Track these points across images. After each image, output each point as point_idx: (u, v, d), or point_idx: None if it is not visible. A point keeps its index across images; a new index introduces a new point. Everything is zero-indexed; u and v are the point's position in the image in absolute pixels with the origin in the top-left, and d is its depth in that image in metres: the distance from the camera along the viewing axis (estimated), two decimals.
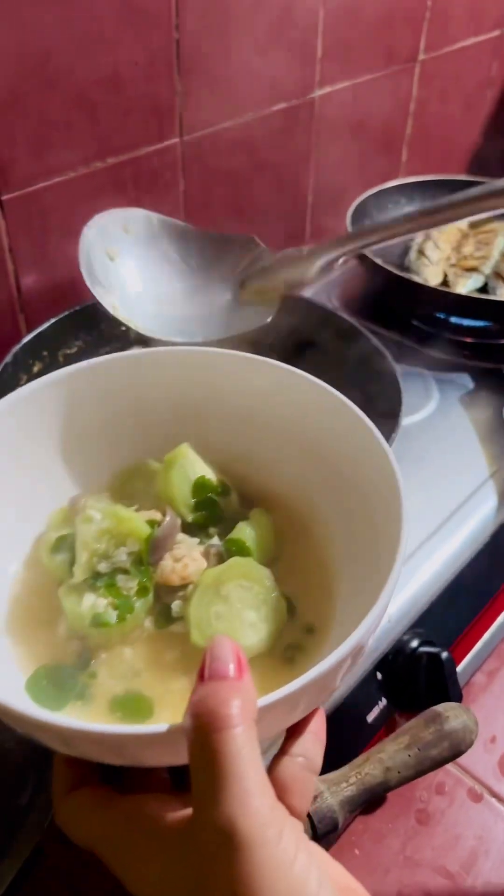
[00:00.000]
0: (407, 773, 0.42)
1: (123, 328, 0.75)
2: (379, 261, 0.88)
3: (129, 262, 0.66)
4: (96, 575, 0.41)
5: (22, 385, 0.65)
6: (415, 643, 0.63)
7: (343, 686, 0.58)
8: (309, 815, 0.40)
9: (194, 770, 0.29)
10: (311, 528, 0.47)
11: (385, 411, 0.64)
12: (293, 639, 0.42)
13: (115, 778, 0.36)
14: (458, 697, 0.60)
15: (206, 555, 0.42)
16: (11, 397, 0.44)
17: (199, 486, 0.45)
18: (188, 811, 0.31)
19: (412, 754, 0.43)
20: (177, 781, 0.35)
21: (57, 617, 0.42)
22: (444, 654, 0.61)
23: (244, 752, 0.28)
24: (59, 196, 0.76)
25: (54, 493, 0.46)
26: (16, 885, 0.43)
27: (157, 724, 0.29)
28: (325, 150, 1.04)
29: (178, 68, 0.80)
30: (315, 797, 0.41)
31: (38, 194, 0.74)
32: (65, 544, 0.42)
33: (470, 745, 0.46)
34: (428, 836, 0.63)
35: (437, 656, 0.61)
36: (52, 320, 0.69)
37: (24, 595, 0.43)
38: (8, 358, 0.65)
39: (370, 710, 0.61)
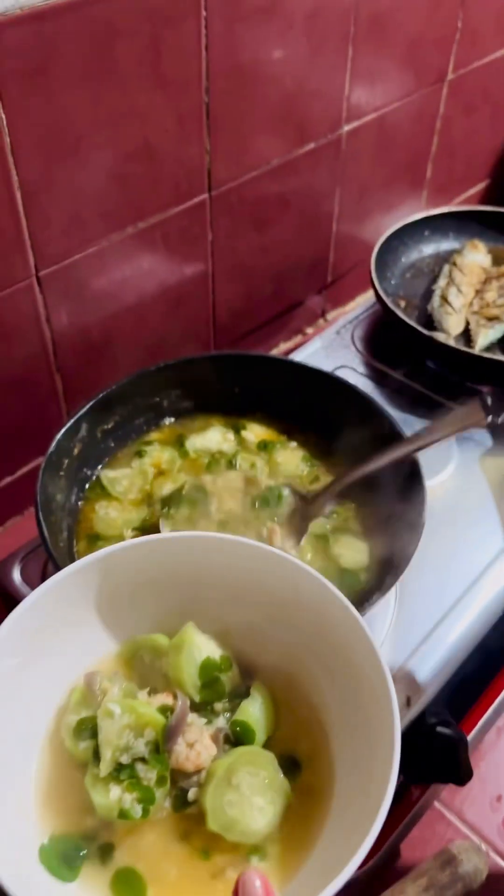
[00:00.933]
0: None
1: (157, 399, 0.78)
2: (400, 312, 0.89)
3: None
4: (119, 767, 0.43)
5: (64, 469, 0.69)
6: (431, 720, 0.66)
7: None
8: None
9: None
10: (310, 695, 0.49)
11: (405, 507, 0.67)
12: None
13: None
14: (468, 776, 0.64)
15: (215, 738, 0.45)
16: (50, 582, 0.45)
17: (205, 667, 0.48)
18: None
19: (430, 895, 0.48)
20: None
21: (80, 797, 0.45)
22: (455, 737, 0.64)
23: None
24: (92, 264, 0.77)
25: (70, 661, 0.49)
26: None
27: None
28: (351, 182, 1.03)
29: (207, 129, 0.80)
30: None
31: (72, 266, 0.75)
32: (86, 731, 0.45)
33: (481, 883, 0.50)
34: None
35: (449, 738, 0.65)
36: (91, 402, 0.71)
37: (48, 773, 0.46)
38: (52, 447, 0.67)
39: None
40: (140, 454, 0.75)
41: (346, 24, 0.88)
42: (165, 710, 0.45)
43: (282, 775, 0.45)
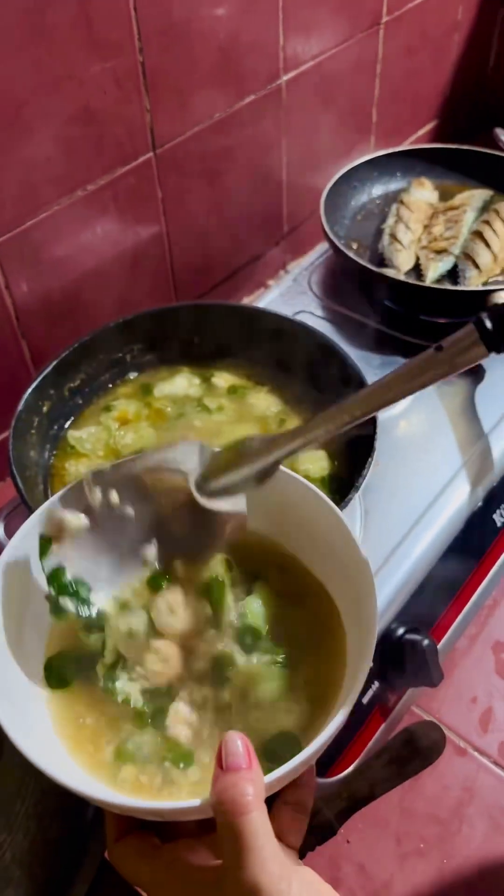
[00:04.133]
0: (387, 785, 0.51)
1: (120, 355, 0.81)
2: (351, 253, 0.91)
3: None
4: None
5: (35, 427, 0.72)
6: (400, 631, 0.70)
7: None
8: (311, 827, 0.49)
9: (222, 839, 0.36)
10: (316, 590, 0.51)
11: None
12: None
13: (154, 824, 0.43)
14: (439, 678, 0.68)
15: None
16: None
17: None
18: (215, 861, 0.39)
19: (392, 770, 0.51)
20: (201, 824, 0.42)
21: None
22: (425, 642, 0.68)
23: (260, 829, 0.36)
24: (45, 230, 0.79)
25: None
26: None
27: (193, 801, 0.37)
28: (296, 133, 1.05)
29: (145, 88, 0.82)
30: (314, 813, 0.50)
31: (26, 233, 0.78)
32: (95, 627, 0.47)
33: (438, 756, 0.54)
34: (420, 790, 0.72)
35: (419, 643, 0.68)
36: (55, 361, 0.73)
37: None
38: (20, 406, 0.70)
39: (364, 693, 0.69)
40: (108, 409, 0.78)
41: None
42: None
43: (292, 678, 0.47)
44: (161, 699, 0.46)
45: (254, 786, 0.36)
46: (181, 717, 0.46)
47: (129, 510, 0.48)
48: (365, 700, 0.69)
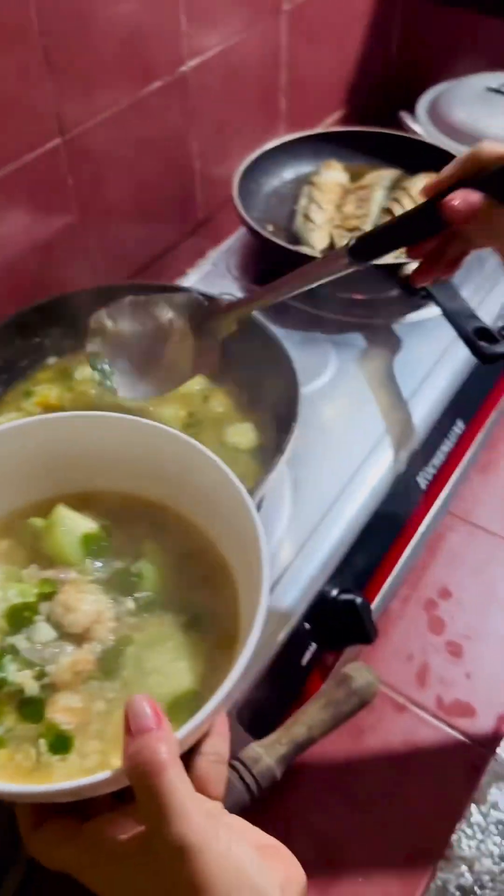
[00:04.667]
0: (326, 727, 0.52)
1: (38, 339, 0.81)
2: (266, 233, 0.93)
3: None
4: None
5: None
6: (334, 592, 0.71)
7: (279, 637, 0.67)
8: (253, 775, 0.50)
9: (141, 804, 0.36)
10: (204, 545, 0.51)
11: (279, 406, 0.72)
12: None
13: (68, 807, 0.41)
14: (373, 634, 0.70)
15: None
16: None
17: (87, 539, 0.49)
18: (138, 829, 0.38)
19: (328, 712, 0.53)
20: (117, 795, 0.41)
21: None
22: (358, 600, 0.69)
23: (178, 786, 0.35)
24: None
25: None
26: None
27: (104, 773, 0.36)
28: (205, 120, 1.06)
29: (48, 72, 0.82)
30: (256, 760, 0.51)
31: None
32: None
33: (374, 696, 0.55)
34: (364, 747, 0.74)
35: (352, 602, 0.70)
36: None
37: None
38: None
39: (303, 655, 0.70)
40: (28, 394, 0.77)
41: None
42: (53, 583, 0.47)
43: (186, 636, 0.46)
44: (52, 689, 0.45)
45: (166, 744, 0.36)
46: (62, 706, 0.44)
47: None
48: (304, 662, 0.70)
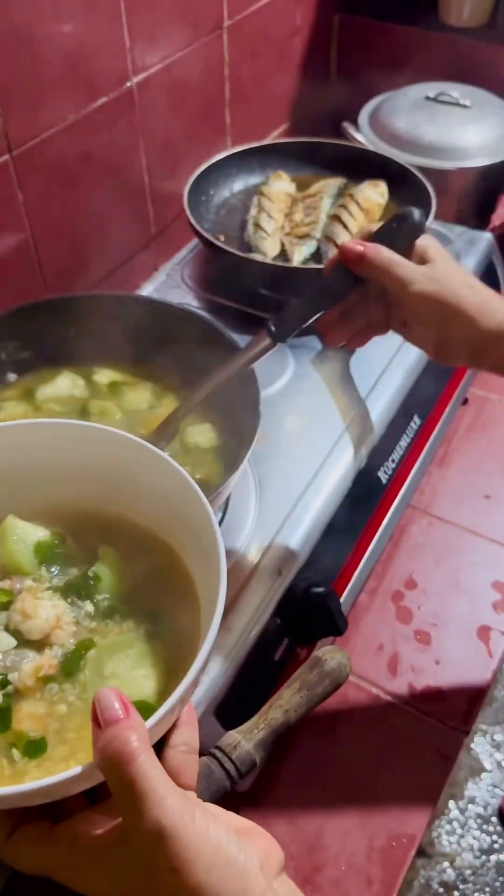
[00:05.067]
0: (301, 710, 0.53)
1: None
2: (220, 242, 0.95)
3: None
4: None
5: None
6: (303, 586, 0.72)
7: (252, 634, 0.68)
8: (232, 761, 0.51)
9: (117, 794, 0.36)
10: (162, 548, 0.51)
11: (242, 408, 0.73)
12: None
13: (42, 812, 0.41)
14: (344, 625, 0.71)
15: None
16: None
17: (39, 547, 0.49)
18: (113, 822, 0.38)
19: (303, 695, 0.54)
20: (89, 795, 0.41)
21: None
22: (327, 594, 0.71)
23: (151, 772, 0.36)
24: None
25: None
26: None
27: (75, 768, 0.36)
28: (152, 134, 1.07)
29: None
30: (235, 746, 0.51)
31: None
32: None
33: (346, 677, 0.57)
34: (340, 736, 0.75)
35: (321, 595, 0.71)
36: None
37: None
38: None
39: (276, 650, 0.71)
40: None
41: None
42: (9, 593, 0.47)
43: (148, 644, 0.47)
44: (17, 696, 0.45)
45: (136, 732, 0.36)
46: (26, 714, 0.45)
47: None
48: (277, 657, 0.72)
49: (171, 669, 0.46)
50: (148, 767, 0.36)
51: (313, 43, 1.37)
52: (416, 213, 0.65)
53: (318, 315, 0.69)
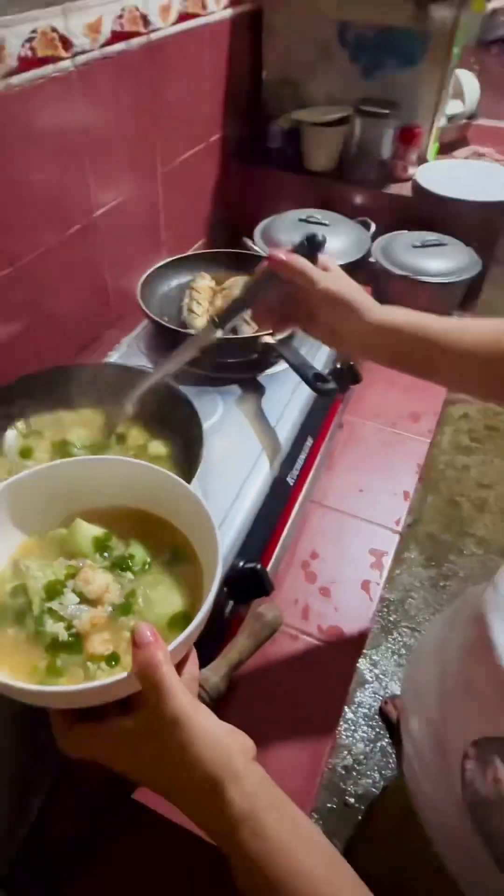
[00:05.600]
0: (250, 650, 0.54)
1: None
2: (164, 322, 0.94)
3: None
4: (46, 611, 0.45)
5: None
6: (241, 563, 0.72)
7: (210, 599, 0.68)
8: (206, 690, 0.50)
9: (146, 691, 0.36)
10: (175, 533, 0.52)
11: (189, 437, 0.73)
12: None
13: (89, 716, 0.40)
14: (270, 588, 0.70)
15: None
16: None
17: (97, 540, 0.50)
18: (140, 722, 0.38)
19: (252, 640, 0.54)
20: (121, 705, 0.41)
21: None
22: (258, 566, 0.70)
23: (172, 678, 0.36)
24: None
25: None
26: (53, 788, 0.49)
27: (122, 673, 0.37)
28: (112, 250, 1.07)
29: None
30: (207, 679, 0.51)
31: None
32: (20, 591, 0.46)
33: (280, 625, 0.57)
34: (274, 665, 0.74)
35: (253, 569, 0.71)
36: None
37: None
38: None
39: (224, 610, 0.70)
40: None
41: (81, 146, 0.92)
42: (76, 568, 0.48)
43: (173, 579, 0.49)
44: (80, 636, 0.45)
45: (162, 651, 0.37)
46: (99, 641, 0.45)
47: None
48: (226, 614, 0.71)
49: (189, 593, 0.48)
50: (169, 673, 0.36)
51: (220, 183, 1.39)
52: (320, 235, 0.65)
53: (248, 309, 0.69)
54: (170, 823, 0.55)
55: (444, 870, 0.56)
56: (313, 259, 0.65)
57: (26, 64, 0.78)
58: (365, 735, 1.67)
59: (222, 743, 0.37)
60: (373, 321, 0.62)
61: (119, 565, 0.49)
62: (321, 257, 0.66)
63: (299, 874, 0.36)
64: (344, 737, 1.67)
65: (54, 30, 0.81)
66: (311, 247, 0.65)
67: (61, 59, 0.83)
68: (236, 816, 0.36)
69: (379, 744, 1.65)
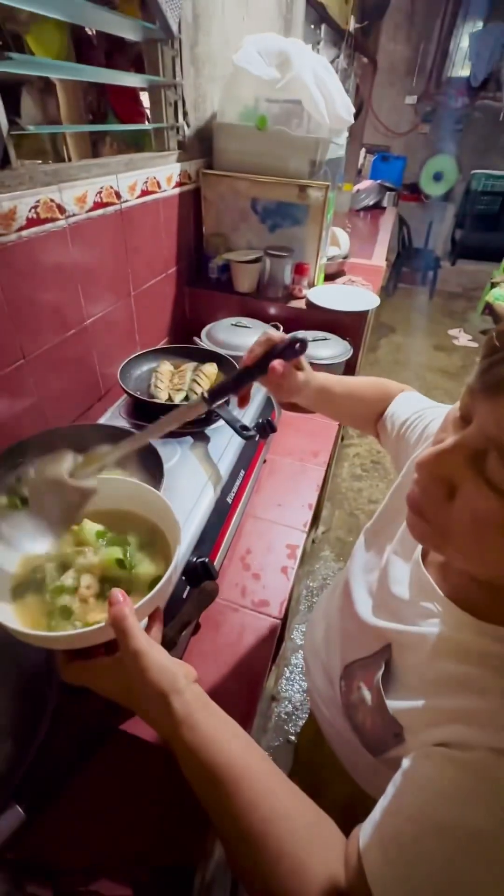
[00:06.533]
0: (193, 615, 0.56)
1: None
2: (137, 395, 0.98)
3: None
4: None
5: None
6: (195, 558, 0.73)
7: (173, 582, 0.67)
8: (165, 642, 0.52)
9: (117, 635, 0.38)
10: (154, 525, 0.53)
11: (155, 472, 0.75)
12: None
13: (82, 653, 0.42)
14: (216, 575, 0.73)
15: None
16: None
17: (98, 533, 0.51)
18: (115, 657, 0.40)
19: (195, 604, 0.56)
20: (108, 648, 0.42)
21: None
22: (206, 560, 0.72)
23: (135, 626, 0.38)
24: None
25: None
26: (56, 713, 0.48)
27: (101, 623, 0.38)
28: (100, 347, 1.10)
29: (14, 327, 0.83)
30: (166, 635, 0.52)
31: None
32: (38, 569, 0.47)
33: (216, 594, 0.59)
34: (220, 632, 0.75)
35: (203, 561, 0.72)
36: None
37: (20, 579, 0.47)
38: None
39: (183, 592, 0.70)
40: None
41: (75, 275, 0.96)
42: (82, 552, 0.48)
43: (149, 557, 0.49)
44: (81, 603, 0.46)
45: (128, 607, 0.39)
46: (91, 608, 0.45)
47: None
48: (184, 595, 0.71)
49: (163, 565, 0.48)
50: (133, 623, 0.38)
51: (176, 300, 1.45)
52: (308, 340, 0.58)
53: (235, 391, 0.57)
54: (140, 740, 0.54)
55: (343, 770, 0.57)
56: (300, 350, 0.56)
57: (31, 223, 0.83)
58: (300, 688, 1.65)
59: (170, 668, 0.39)
60: (315, 387, 0.63)
61: (117, 544, 0.50)
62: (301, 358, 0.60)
63: (222, 753, 0.37)
64: (284, 690, 1.64)
65: (52, 200, 0.86)
66: (301, 348, 0.57)
67: (57, 219, 0.89)
68: (178, 718, 0.38)
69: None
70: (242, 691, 0.67)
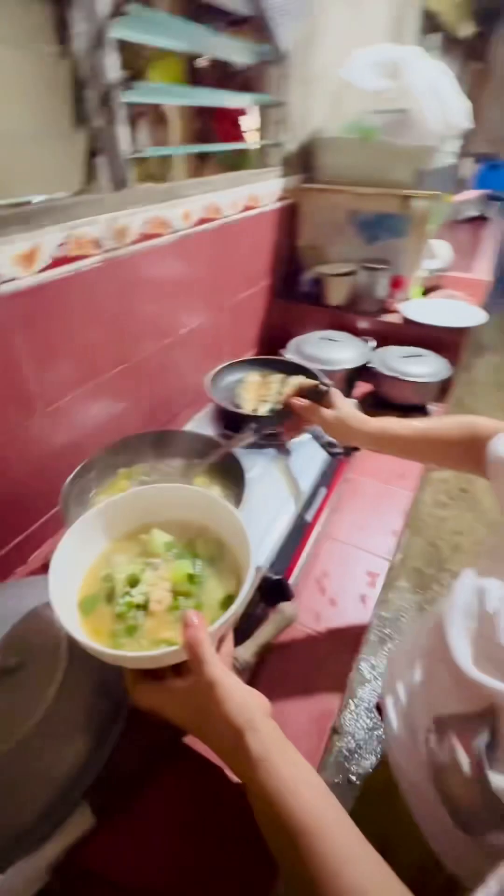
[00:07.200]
0: (273, 636, 0.54)
1: (114, 459, 0.82)
2: (224, 405, 0.98)
3: None
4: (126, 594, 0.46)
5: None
6: (270, 575, 0.72)
7: (247, 599, 0.66)
8: (240, 662, 0.50)
9: (191, 661, 0.36)
10: (223, 541, 0.54)
11: (238, 483, 0.75)
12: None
13: (152, 674, 0.41)
14: (291, 595, 0.70)
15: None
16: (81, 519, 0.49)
17: (167, 543, 0.52)
18: (188, 682, 0.38)
19: (273, 627, 0.54)
20: (176, 669, 0.41)
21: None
22: (281, 579, 0.70)
23: (210, 651, 0.37)
24: None
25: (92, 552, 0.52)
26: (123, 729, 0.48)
27: (175, 646, 0.37)
28: (191, 355, 1.14)
29: (128, 337, 0.87)
30: (237, 658, 0.51)
31: None
32: (108, 578, 0.48)
33: (296, 618, 0.56)
34: (291, 658, 0.71)
35: (279, 580, 0.71)
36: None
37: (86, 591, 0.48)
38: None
39: (256, 608, 0.70)
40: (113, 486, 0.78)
41: (175, 290, 1.01)
42: (151, 564, 0.49)
43: (218, 579, 0.48)
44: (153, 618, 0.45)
45: (204, 632, 0.38)
46: (161, 623, 0.45)
47: None
48: (258, 612, 0.70)
49: (234, 584, 0.47)
50: (208, 648, 0.37)
51: (267, 313, 1.47)
52: (329, 386, 0.69)
53: (277, 426, 0.73)
54: (207, 761, 0.53)
55: (417, 833, 0.51)
56: (325, 399, 0.68)
57: (141, 237, 0.87)
58: (365, 724, 1.55)
59: (245, 701, 0.37)
60: (367, 432, 0.65)
61: (186, 556, 0.50)
62: (332, 392, 0.69)
63: (299, 804, 0.34)
64: (348, 725, 1.55)
65: (160, 217, 0.91)
66: (327, 393, 0.69)
67: (164, 234, 0.93)
68: (253, 759, 0.36)
69: (375, 732, 1.52)
70: (312, 728, 0.64)
